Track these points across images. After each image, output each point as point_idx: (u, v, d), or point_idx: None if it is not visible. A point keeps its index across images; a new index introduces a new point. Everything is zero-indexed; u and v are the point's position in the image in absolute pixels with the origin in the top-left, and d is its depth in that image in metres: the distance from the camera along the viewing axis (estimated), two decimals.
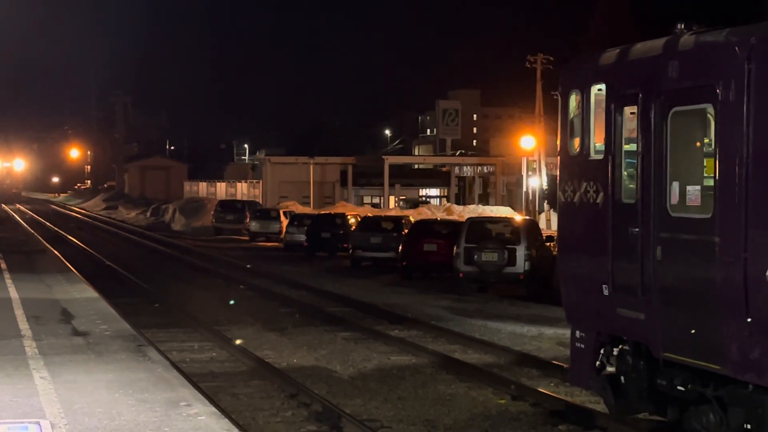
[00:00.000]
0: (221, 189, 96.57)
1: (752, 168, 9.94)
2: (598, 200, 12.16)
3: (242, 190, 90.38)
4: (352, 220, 46.14)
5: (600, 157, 12.21)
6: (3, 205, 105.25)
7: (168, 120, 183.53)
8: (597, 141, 12.38)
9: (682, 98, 10.96)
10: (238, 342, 19.63)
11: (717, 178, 10.32)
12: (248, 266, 37.92)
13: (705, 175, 10.82)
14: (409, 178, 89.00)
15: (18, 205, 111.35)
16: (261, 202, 74.37)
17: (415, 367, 17.67)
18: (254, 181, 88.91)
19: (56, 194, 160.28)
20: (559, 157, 13.44)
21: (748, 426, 10.43)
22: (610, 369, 12.23)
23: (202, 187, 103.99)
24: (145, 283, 30.15)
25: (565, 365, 15.97)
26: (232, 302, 26.72)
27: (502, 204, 78.06)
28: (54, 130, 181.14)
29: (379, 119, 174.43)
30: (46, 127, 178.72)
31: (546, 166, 65.52)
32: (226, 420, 11.16)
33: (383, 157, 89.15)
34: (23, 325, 18.10)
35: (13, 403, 11.65)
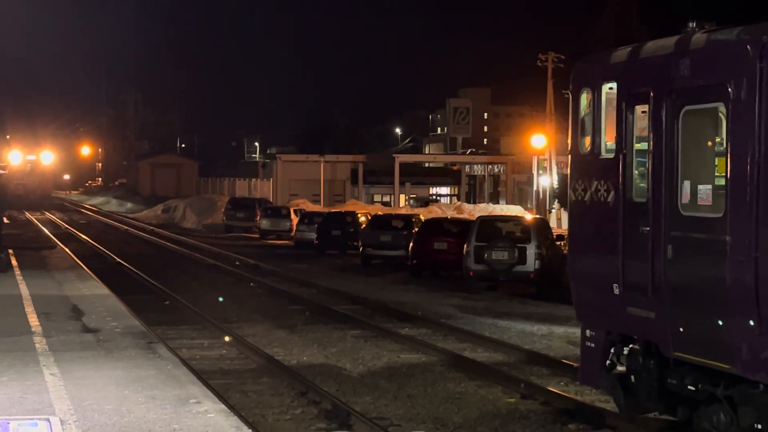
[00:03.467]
0: (231, 186, 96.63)
1: (764, 167, 9.90)
2: (609, 199, 12.12)
3: (253, 187, 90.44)
4: (362, 219, 46.13)
5: (611, 155, 12.18)
6: (26, 213, 77.95)
7: (178, 118, 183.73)
8: (608, 140, 12.34)
9: (693, 97, 10.92)
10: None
11: (728, 177, 10.28)
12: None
13: (716, 174, 10.78)
14: (419, 176, 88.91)
15: (46, 212, 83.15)
16: (271, 200, 74.40)
17: (425, 365, 17.65)
18: (265, 179, 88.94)
19: (67, 191, 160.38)
20: (569, 156, 13.41)
21: (759, 426, 10.40)
22: (621, 368, 12.19)
23: (215, 185, 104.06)
24: (155, 280, 30.18)
25: (575, 364, 15.94)
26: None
27: (513, 203, 77.98)
28: (66, 128, 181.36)
29: (390, 117, 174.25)
30: (61, 125, 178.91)
31: (557, 164, 65.43)
32: (236, 417, 11.17)
33: (394, 155, 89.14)
34: (33, 322, 18.15)
35: (23, 399, 11.68)
